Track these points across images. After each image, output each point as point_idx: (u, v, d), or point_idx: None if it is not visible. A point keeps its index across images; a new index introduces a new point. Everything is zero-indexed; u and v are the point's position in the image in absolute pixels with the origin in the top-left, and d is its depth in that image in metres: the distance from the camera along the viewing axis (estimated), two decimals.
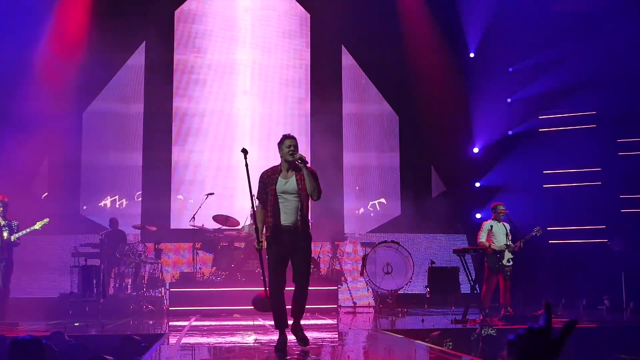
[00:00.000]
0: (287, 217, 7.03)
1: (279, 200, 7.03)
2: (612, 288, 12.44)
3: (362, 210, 15.65)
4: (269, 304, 7.10)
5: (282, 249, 7.02)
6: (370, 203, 15.63)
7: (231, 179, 14.76)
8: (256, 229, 7.09)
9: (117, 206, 14.72)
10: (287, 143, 7.17)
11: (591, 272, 12.93)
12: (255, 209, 7.26)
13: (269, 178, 7.13)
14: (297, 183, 7.10)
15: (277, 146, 7.28)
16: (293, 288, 7.10)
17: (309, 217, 7.38)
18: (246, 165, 7.03)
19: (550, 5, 14.49)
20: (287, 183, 7.09)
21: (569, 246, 14.25)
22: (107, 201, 14.81)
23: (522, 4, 14.45)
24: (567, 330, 1.63)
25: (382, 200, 14.91)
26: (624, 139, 14.52)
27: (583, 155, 14.61)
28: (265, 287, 7.06)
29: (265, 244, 7.05)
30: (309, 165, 7.17)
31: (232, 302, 11.55)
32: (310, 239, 7.25)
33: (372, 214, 15.65)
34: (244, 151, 7.06)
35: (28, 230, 10.96)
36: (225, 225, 12.90)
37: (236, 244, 12.84)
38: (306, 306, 7.10)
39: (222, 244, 12.66)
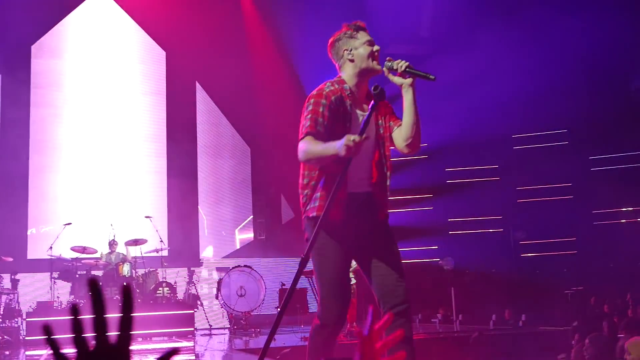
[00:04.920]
0: (359, 182, 3.81)
1: None
2: (444, 302, 13.01)
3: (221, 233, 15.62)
4: None
5: (349, 242, 3.80)
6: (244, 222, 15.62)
7: (88, 209, 14.32)
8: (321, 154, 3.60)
9: None
10: (365, 36, 3.92)
11: (426, 289, 13.47)
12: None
13: (337, 101, 3.78)
14: (379, 123, 3.91)
15: (329, 49, 4.08)
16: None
17: None
18: None
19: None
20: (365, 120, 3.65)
21: (405, 265, 14.78)
22: None
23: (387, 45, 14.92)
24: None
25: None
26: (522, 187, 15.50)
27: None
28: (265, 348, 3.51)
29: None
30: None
31: (90, 329, 11.12)
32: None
33: (226, 241, 15.65)
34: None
35: None
36: (83, 254, 12.48)
37: (94, 272, 12.43)
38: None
39: (80, 272, 12.21)
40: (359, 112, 3.85)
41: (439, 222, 15.12)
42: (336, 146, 3.41)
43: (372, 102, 3.59)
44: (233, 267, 12.94)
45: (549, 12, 14.34)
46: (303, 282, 12.14)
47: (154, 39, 15.74)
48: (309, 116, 3.73)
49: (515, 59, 14.98)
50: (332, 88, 3.84)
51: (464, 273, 13.92)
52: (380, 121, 3.92)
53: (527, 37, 14.70)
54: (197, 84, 16.04)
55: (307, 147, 3.65)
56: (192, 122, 15.87)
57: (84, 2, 15.32)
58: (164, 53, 15.83)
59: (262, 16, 15.93)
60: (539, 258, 16.03)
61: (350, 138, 3.32)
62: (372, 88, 3.59)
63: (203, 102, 16.10)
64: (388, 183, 3.91)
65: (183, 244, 14.28)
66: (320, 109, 3.72)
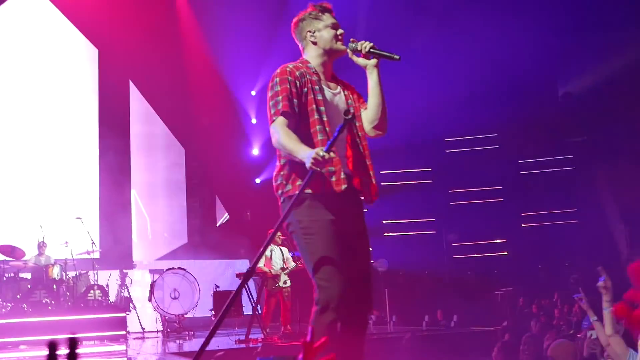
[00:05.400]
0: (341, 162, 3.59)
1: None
2: (378, 303, 13.13)
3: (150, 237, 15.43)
4: None
5: (336, 219, 3.52)
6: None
7: (16, 210, 13.94)
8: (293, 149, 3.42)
9: None
10: (329, 19, 3.79)
11: None
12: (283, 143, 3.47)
13: (303, 77, 3.62)
14: (349, 102, 3.75)
15: (292, 29, 3.87)
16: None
17: None
18: None
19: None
20: (336, 97, 3.74)
21: None
22: None
23: None
24: None
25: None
26: (455, 190, 15.66)
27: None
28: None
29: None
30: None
31: (18, 333, 10.83)
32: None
33: (160, 242, 15.47)
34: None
35: None
36: (11, 256, 12.12)
37: (22, 275, 12.10)
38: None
39: (7, 275, 11.87)
40: (326, 88, 3.70)
41: (372, 224, 15.26)
42: (304, 154, 3.29)
43: (341, 124, 3.42)
44: (167, 269, 12.80)
45: (479, 18, 14.64)
46: (238, 285, 12.05)
47: (86, 37, 15.41)
48: (279, 97, 3.54)
49: (447, 64, 15.26)
50: (296, 64, 3.69)
51: (397, 274, 14.09)
52: (350, 100, 3.78)
53: (458, 42, 14.99)
54: (131, 83, 15.79)
55: (279, 136, 3.47)
56: (125, 121, 15.61)
57: None
58: (96, 51, 15.53)
59: (196, 15, 15.79)
60: (471, 259, 16.34)
61: (320, 153, 3.18)
62: (344, 113, 3.47)
63: (137, 101, 15.84)
64: (369, 163, 3.71)
65: (115, 246, 14.02)
66: (288, 86, 3.55)
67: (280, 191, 3.66)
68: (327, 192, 3.51)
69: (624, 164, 14.38)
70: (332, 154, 3.25)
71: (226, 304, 3.30)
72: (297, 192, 3.43)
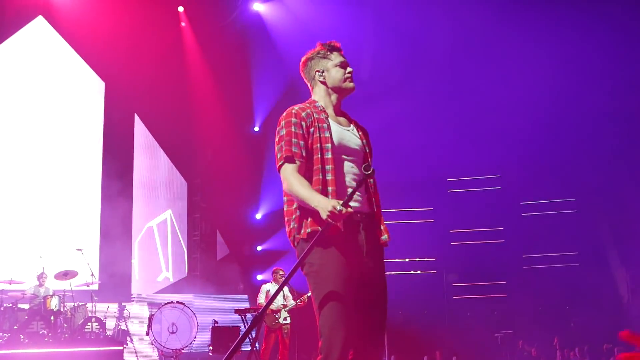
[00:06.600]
0: (356, 198, 3.50)
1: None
2: None
3: (150, 273, 15.35)
4: None
5: (350, 262, 3.37)
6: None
7: (15, 238, 13.91)
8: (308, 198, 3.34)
9: None
10: (338, 57, 3.73)
11: None
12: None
13: (309, 117, 3.55)
14: (363, 142, 3.69)
15: (301, 68, 3.80)
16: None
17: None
18: None
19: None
20: (347, 132, 3.65)
21: None
22: None
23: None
24: None
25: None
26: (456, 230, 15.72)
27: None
28: None
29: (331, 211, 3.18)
30: None
31: None
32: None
33: (158, 277, 15.40)
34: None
35: None
36: (9, 286, 12.05)
37: (20, 305, 12.02)
38: None
39: (5, 305, 11.79)
40: (335, 124, 3.63)
41: None
42: (319, 204, 3.25)
43: (360, 177, 3.44)
44: (165, 303, 12.71)
45: (482, 60, 14.75)
46: (237, 321, 11.97)
47: (93, 69, 15.53)
48: (283, 142, 3.49)
49: (449, 104, 15.33)
50: (301, 106, 3.63)
51: (396, 314, 13.96)
52: (364, 140, 3.73)
53: (461, 83, 15.07)
54: (136, 116, 15.87)
55: (289, 184, 3.43)
56: (129, 154, 15.66)
57: (23, 28, 15.04)
58: (103, 83, 15.64)
59: (202, 51, 15.90)
60: (471, 300, 16.22)
61: (337, 207, 3.15)
62: (363, 168, 3.44)
63: (141, 134, 15.92)
64: (375, 203, 3.62)
65: (114, 278, 13.97)
66: (293, 129, 3.50)
67: (293, 235, 3.55)
68: (343, 234, 3.38)
69: (627, 207, 14.35)
70: (349, 209, 3.21)
71: (231, 349, 3.23)
72: (310, 229, 3.40)
